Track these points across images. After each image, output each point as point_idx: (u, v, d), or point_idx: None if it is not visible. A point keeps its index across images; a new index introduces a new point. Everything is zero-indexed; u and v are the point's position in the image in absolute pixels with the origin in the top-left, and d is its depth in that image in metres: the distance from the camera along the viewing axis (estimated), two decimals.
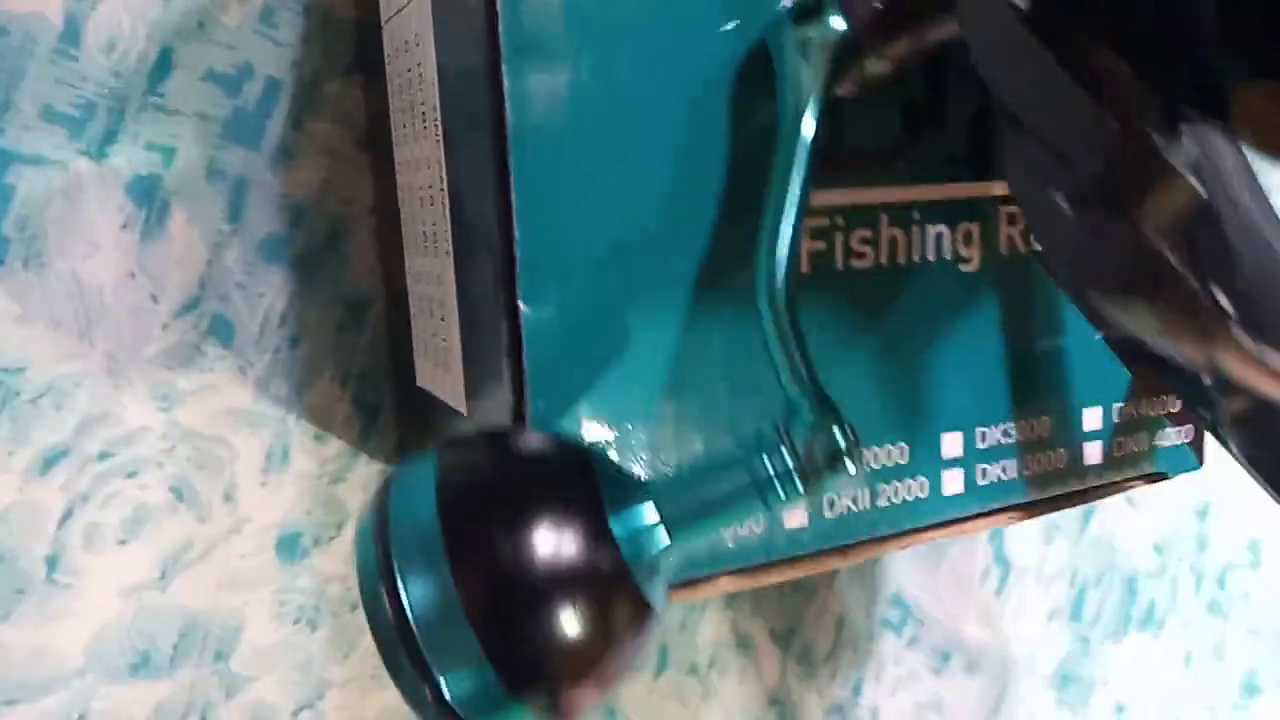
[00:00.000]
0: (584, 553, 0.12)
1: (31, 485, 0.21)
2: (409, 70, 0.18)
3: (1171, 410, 0.21)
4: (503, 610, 0.12)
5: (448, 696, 0.12)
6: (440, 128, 0.17)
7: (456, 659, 0.12)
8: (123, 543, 0.22)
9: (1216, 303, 0.11)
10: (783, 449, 0.13)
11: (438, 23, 0.16)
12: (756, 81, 0.15)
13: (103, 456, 0.22)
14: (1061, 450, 0.20)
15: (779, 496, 0.13)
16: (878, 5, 0.14)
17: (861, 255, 0.18)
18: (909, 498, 0.19)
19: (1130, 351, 0.18)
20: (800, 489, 0.13)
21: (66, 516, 0.22)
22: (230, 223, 0.22)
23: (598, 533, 0.12)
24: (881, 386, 0.18)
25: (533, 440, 0.13)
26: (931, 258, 0.18)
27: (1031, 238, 0.19)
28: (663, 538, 0.13)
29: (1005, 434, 0.20)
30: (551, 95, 0.15)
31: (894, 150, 0.17)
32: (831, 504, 0.18)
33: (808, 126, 0.14)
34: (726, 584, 0.17)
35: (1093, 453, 0.21)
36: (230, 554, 0.23)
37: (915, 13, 0.14)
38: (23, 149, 0.20)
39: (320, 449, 0.24)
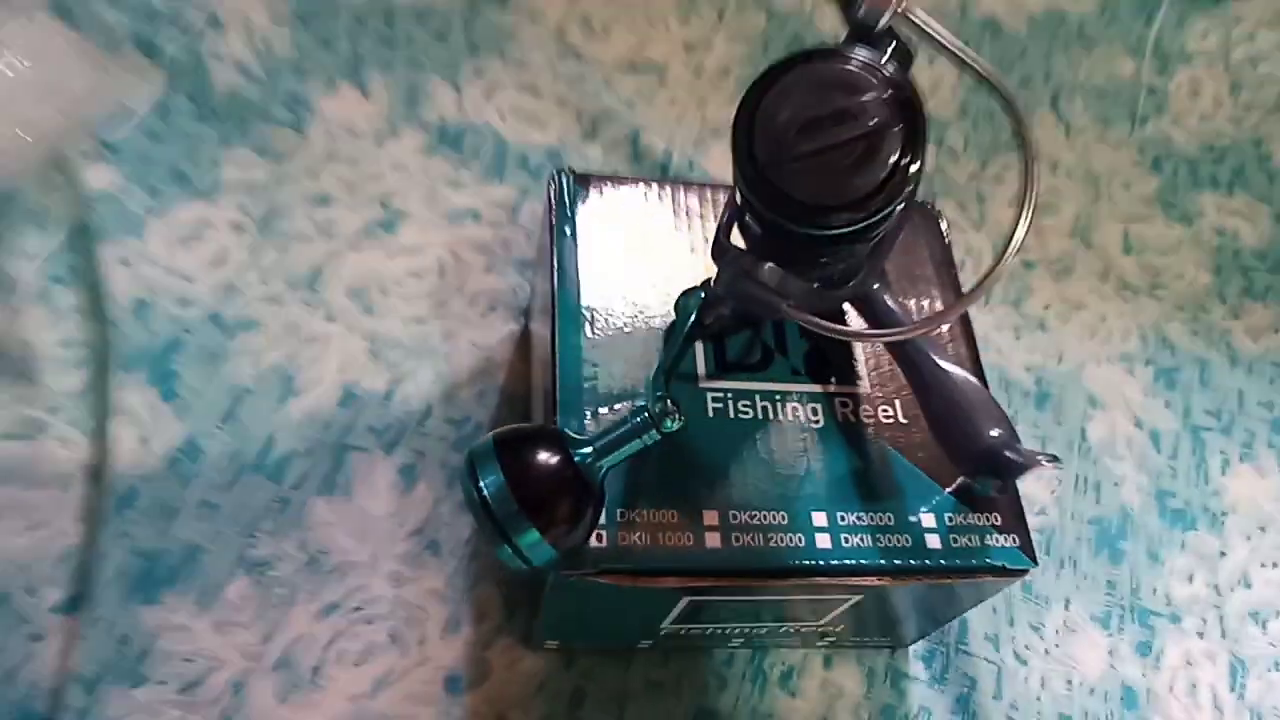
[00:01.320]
0: (557, 463, 0.27)
1: (336, 622, 0.37)
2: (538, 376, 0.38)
3: (996, 522, 0.33)
4: (522, 482, 0.27)
5: (500, 521, 0.27)
6: (543, 387, 0.35)
7: (505, 505, 0.27)
8: (356, 665, 0.37)
9: None
10: (645, 411, 0.28)
11: (537, 342, 0.36)
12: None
13: (355, 609, 0.37)
14: (906, 535, 0.32)
15: (647, 427, 0.28)
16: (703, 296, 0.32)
17: (746, 413, 0.33)
18: (790, 544, 0.31)
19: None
20: (653, 423, 0.28)
21: (329, 644, 0.37)
22: (448, 489, 0.40)
23: (564, 456, 0.28)
24: (769, 483, 0.32)
25: (533, 426, 0.29)
26: (792, 419, 0.33)
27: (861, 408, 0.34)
28: (594, 457, 0.28)
29: (858, 517, 0.32)
30: (579, 339, 0.33)
31: (760, 364, 0.34)
32: (737, 538, 0.31)
33: (684, 335, 0.32)
34: (671, 581, 0.30)
35: (932, 540, 0.32)
36: (416, 681, 0.37)
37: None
38: (357, 442, 0.40)
39: (479, 624, 0.38)
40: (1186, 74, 0.62)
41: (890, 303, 0.33)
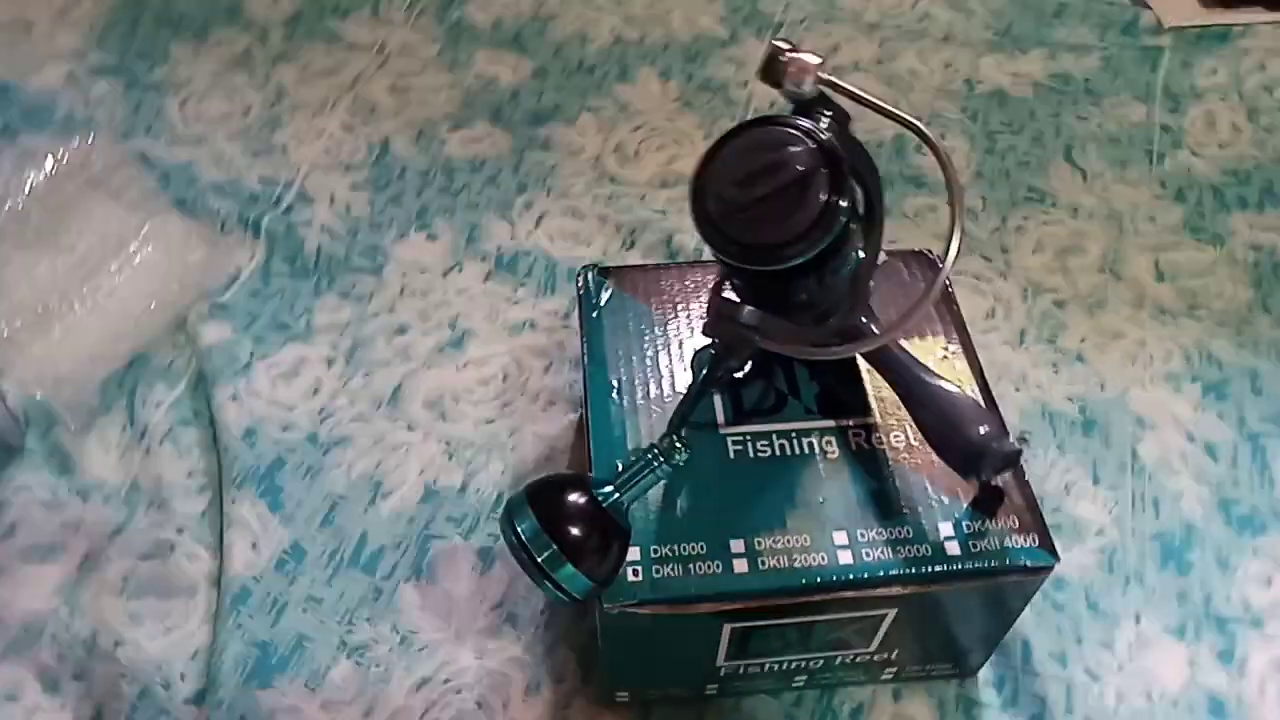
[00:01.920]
0: (584, 503, 0.31)
1: (428, 694, 0.41)
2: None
3: (1014, 524, 0.34)
4: (553, 522, 0.31)
5: (540, 561, 0.30)
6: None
7: (540, 544, 0.31)
8: None
9: None
10: (655, 447, 0.32)
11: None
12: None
13: (445, 681, 0.41)
14: (925, 545, 0.34)
15: (657, 462, 0.32)
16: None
17: (764, 451, 0.36)
18: (814, 563, 0.33)
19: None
20: (664, 459, 0.31)
21: (423, 714, 0.40)
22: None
23: (589, 497, 0.31)
24: (790, 510, 0.35)
25: (561, 474, 0.33)
26: (808, 453, 0.36)
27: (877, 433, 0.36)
28: (615, 495, 0.32)
29: (878, 533, 0.34)
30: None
31: (775, 408, 0.37)
32: (764, 561, 0.33)
33: (699, 386, 0.35)
34: (705, 607, 0.33)
35: (952, 548, 0.34)
36: None
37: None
38: (439, 532, 0.45)
39: (558, 685, 0.41)
40: (1200, 109, 0.64)
41: (879, 332, 0.36)
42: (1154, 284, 0.55)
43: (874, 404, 0.38)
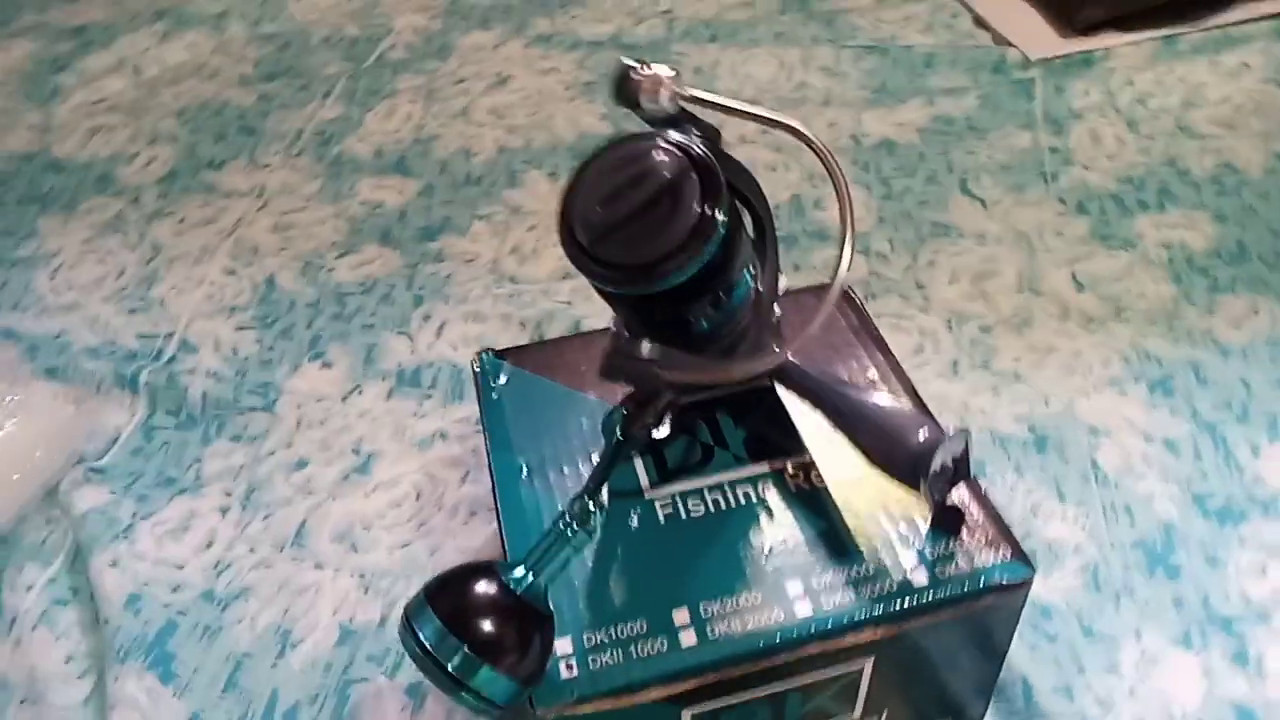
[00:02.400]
0: (494, 593, 0.27)
1: None
2: None
3: (983, 539, 0.31)
4: (460, 621, 0.26)
5: (450, 669, 0.26)
6: None
7: (447, 649, 0.26)
8: None
9: None
10: (564, 514, 0.28)
11: None
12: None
13: None
14: (888, 579, 0.30)
15: (570, 530, 0.28)
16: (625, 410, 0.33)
17: (697, 510, 0.33)
18: (770, 621, 0.29)
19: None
20: (577, 524, 0.28)
21: None
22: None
23: (499, 585, 0.27)
24: (735, 568, 0.31)
25: (461, 565, 0.29)
26: (745, 503, 0.33)
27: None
28: (530, 577, 0.27)
29: (835, 575, 0.30)
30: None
31: (702, 462, 0.34)
32: (713, 630, 0.29)
33: (612, 450, 0.32)
34: (655, 693, 0.28)
35: (919, 577, 0.30)
36: None
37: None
38: (360, 675, 0.40)
39: None
40: (1082, 128, 0.65)
41: (796, 360, 0.33)
42: (1076, 295, 0.54)
43: (807, 440, 0.35)
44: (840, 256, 0.29)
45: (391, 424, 0.50)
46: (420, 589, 0.28)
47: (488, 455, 0.36)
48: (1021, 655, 0.38)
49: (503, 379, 0.38)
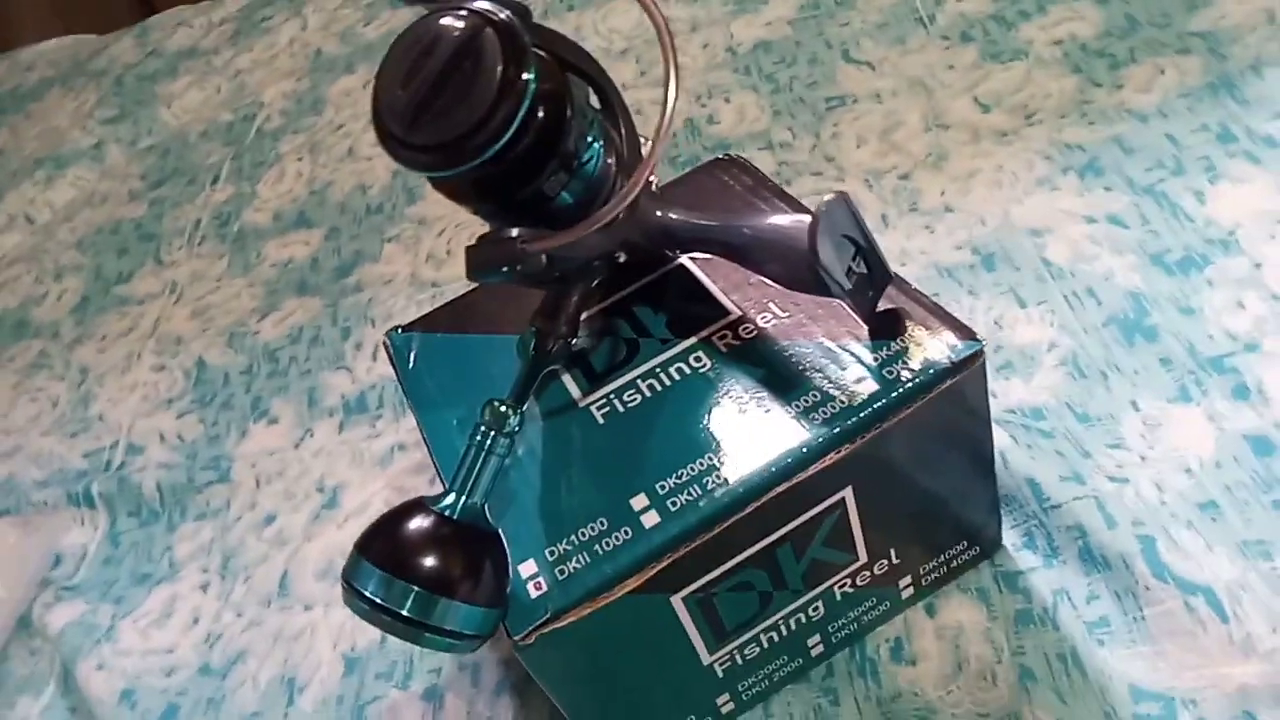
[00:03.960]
0: (429, 525, 0.26)
1: None
2: None
3: (925, 329, 0.29)
4: (401, 563, 0.25)
5: (405, 614, 0.24)
6: None
7: (397, 595, 0.25)
8: None
9: None
10: (480, 424, 0.27)
11: None
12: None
13: None
14: (839, 398, 0.28)
15: (488, 438, 0.26)
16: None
17: (634, 400, 0.31)
18: (728, 478, 0.28)
19: None
20: (494, 429, 0.27)
21: None
22: (474, 687, 0.37)
23: (433, 516, 0.26)
24: (683, 437, 0.29)
25: (386, 511, 0.27)
26: (680, 377, 0.31)
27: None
28: (462, 499, 0.26)
29: (783, 413, 0.29)
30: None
31: (629, 356, 0.32)
32: (674, 503, 0.27)
33: (528, 367, 0.30)
34: (631, 583, 0.27)
35: (867, 387, 0.28)
36: None
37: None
38: (372, 695, 0.38)
39: None
40: None
41: (677, 216, 0.32)
42: (983, 116, 0.53)
43: (726, 300, 0.33)
44: (666, 93, 0.27)
45: (348, 453, 0.49)
46: (353, 548, 0.26)
47: (417, 422, 0.34)
48: (1022, 460, 0.37)
49: (416, 348, 0.37)
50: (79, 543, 0.49)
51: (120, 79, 0.91)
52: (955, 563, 0.34)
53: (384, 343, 0.37)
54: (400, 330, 0.38)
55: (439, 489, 0.28)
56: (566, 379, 0.33)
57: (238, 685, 0.40)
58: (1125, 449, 0.36)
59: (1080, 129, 0.49)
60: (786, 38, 0.64)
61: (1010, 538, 0.35)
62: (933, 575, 0.34)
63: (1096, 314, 0.41)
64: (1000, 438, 0.37)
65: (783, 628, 0.32)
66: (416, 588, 0.25)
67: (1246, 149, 0.45)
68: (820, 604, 0.32)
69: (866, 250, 0.29)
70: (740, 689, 0.33)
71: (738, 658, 0.31)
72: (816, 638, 0.33)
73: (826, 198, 0.28)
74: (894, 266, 0.46)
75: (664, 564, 0.27)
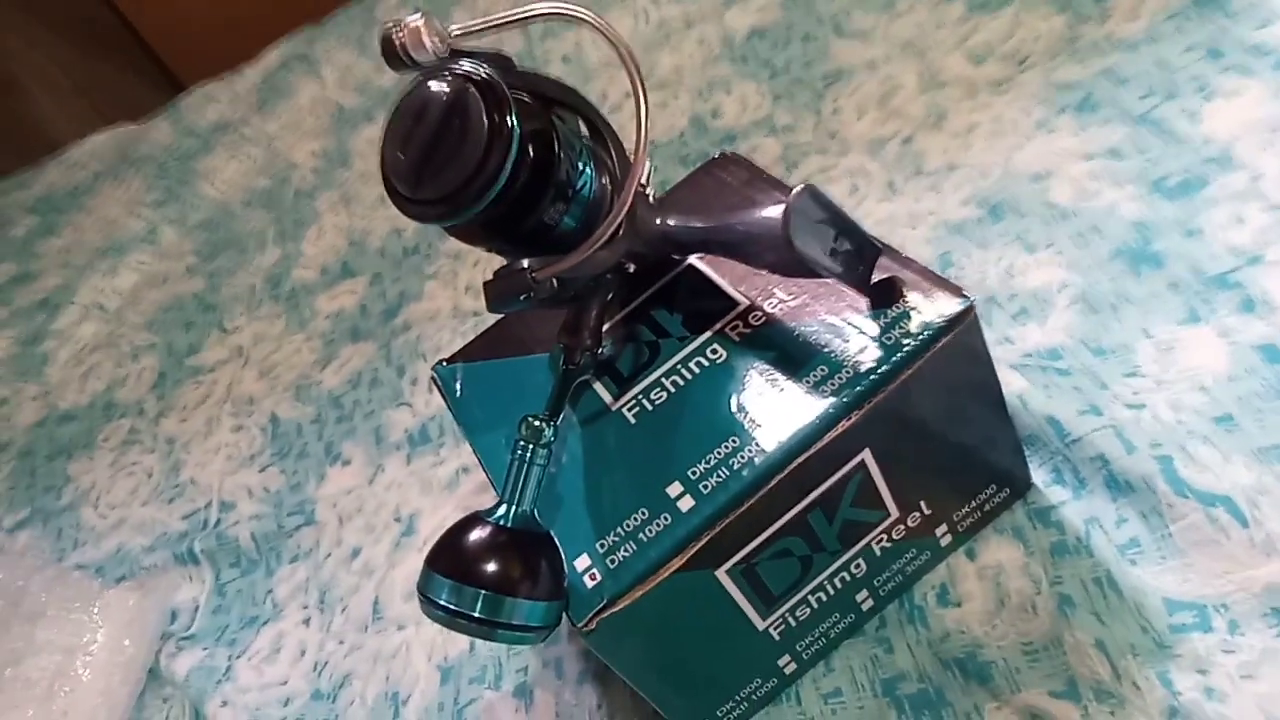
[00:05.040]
0: (486, 535, 0.28)
1: None
2: None
3: (915, 299, 0.31)
4: (467, 571, 0.28)
5: (477, 616, 0.27)
6: None
7: (467, 600, 0.28)
8: None
9: None
10: (518, 440, 0.30)
11: None
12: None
13: None
14: (846, 369, 0.31)
15: (527, 451, 0.29)
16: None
17: (660, 397, 0.33)
18: (753, 455, 0.30)
19: None
20: (532, 443, 0.29)
21: None
22: (559, 680, 0.40)
23: (488, 527, 0.29)
24: (709, 424, 0.31)
25: (447, 529, 0.30)
26: (699, 371, 0.33)
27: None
28: (512, 508, 0.29)
29: (796, 389, 0.31)
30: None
31: (652, 358, 0.35)
32: (706, 486, 0.30)
33: (560, 379, 0.33)
34: (675, 563, 0.29)
35: (872, 354, 0.30)
36: None
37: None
38: (468, 698, 0.41)
39: None
40: None
41: (675, 222, 0.34)
42: (977, 69, 0.54)
43: (735, 293, 0.35)
44: (638, 114, 0.29)
45: (418, 483, 0.52)
46: (424, 564, 0.29)
47: (471, 444, 0.37)
48: (1041, 400, 0.38)
49: (461, 378, 0.40)
50: (190, 597, 0.53)
51: (162, 164, 0.97)
52: (989, 506, 0.36)
53: (431, 377, 0.41)
54: (444, 363, 0.41)
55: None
56: (598, 386, 0.35)
57: (347, 705, 0.44)
58: (1141, 376, 0.37)
59: (1072, 67, 0.50)
60: (778, 21, 0.66)
61: (1039, 476, 0.37)
62: (968, 521, 0.36)
63: (1103, 248, 0.42)
64: (1019, 382, 0.39)
65: (829, 587, 0.34)
66: (483, 591, 0.28)
67: (1237, 62, 0.45)
68: (861, 561, 0.34)
69: (847, 230, 0.31)
70: (799, 649, 0.35)
71: (790, 620, 0.34)
72: (865, 593, 0.35)
73: (794, 191, 0.30)
74: (904, 230, 0.49)
75: (703, 542, 0.30)
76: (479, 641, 0.43)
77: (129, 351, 0.77)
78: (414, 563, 0.48)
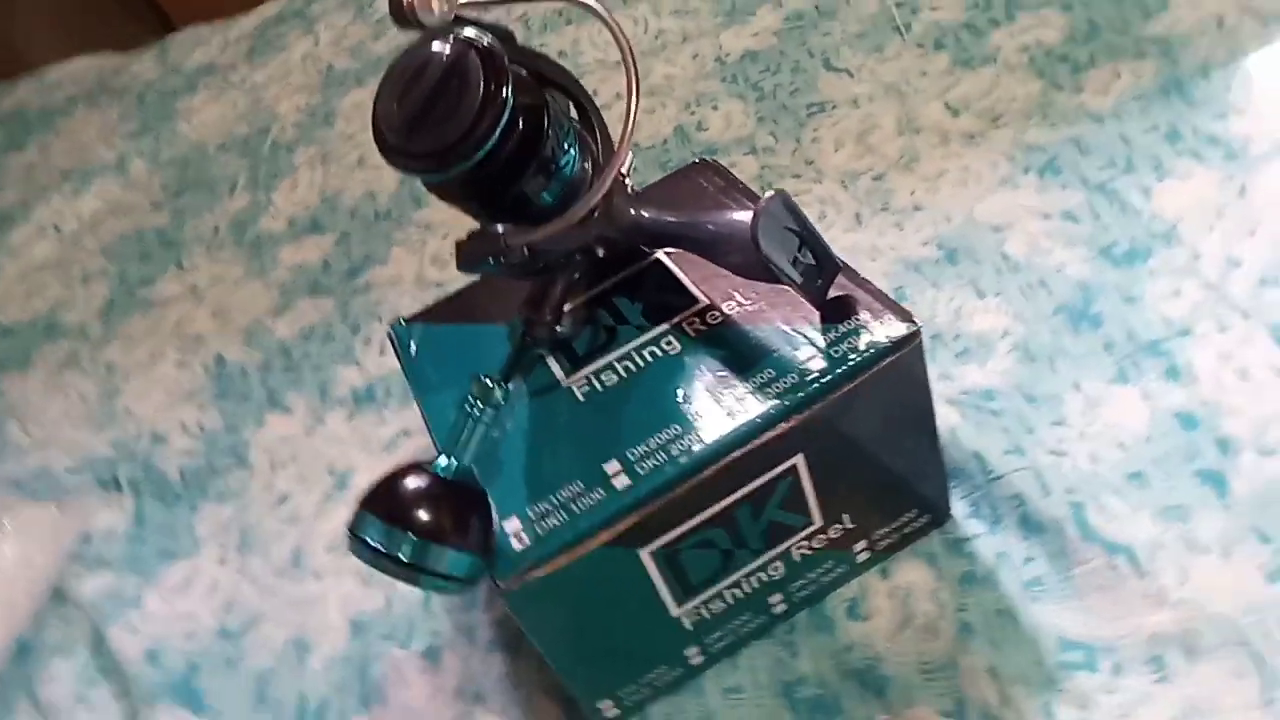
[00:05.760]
0: (423, 482, 0.29)
1: None
2: None
3: (866, 317, 0.32)
4: (399, 514, 0.28)
5: (404, 559, 0.28)
6: None
7: (396, 541, 0.28)
8: None
9: None
10: (468, 396, 0.30)
11: None
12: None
13: None
14: (790, 375, 0.32)
15: (476, 409, 0.30)
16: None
17: (610, 380, 0.34)
18: (692, 444, 0.31)
19: None
20: (481, 402, 0.30)
21: None
22: (469, 645, 0.41)
23: (426, 475, 0.29)
24: (654, 410, 0.32)
25: (387, 471, 0.31)
26: (652, 360, 0.34)
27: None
28: (453, 462, 0.30)
29: (742, 389, 0.32)
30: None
31: (608, 342, 0.36)
32: (642, 467, 0.31)
33: (516, 349, 0.34)
34: (602, 537, 0.30)
35: (816, 364, 0.32)
36: None
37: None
38: (376, 652, 0.41)
39: None
40: None
41: (648, 214, 0.35)
42: (953, 120, 0.56)
43: (697, 291, 0.36)
44: (628, 104, 0.30)
45: (358, 440, 0.52)
46: (357, 504, 0.30)
47: (418, 403, 0.38)
48: (971, 436, 0.40)
49: (417, 338, 0.40)
50: (108, 523, 0.53)
51: (142, 96, 0.96)
52: (908, 529, 0.37)
53: (388, 333, 0.41)
54: (403, 322, 0.41)
55: None
56: (551, 362, 0.36)
57: (253, 647, 0.44)
58: (1066, 426, 0.39)
59: (1042, 130, 0.53)
60: (772, 47, 0.67)
61: (959, 508, 0.38)
62: (886, 541, 0.37)
63: (1047, 303, 0.44)
64: (953, 416, 0.41)
65: (746, 586, 0.35)
66: (413, 535, 0.28)
67: (1192, 147, 0.48)
68: (780, 564, 0.35)
69: (811, 243, 0.32)
70: (708, 642, 0.36)
71: (704, 612, 0.35)
72: (779, 596, 0.36)
73: (767, 195, 0.31)
74: (865, 261, 0.50)
75: (632, 520, 0.31)
76: (394, 600, 0.44)
77: (79, 275, 0.76)
78: (342, 516, 0.48)
